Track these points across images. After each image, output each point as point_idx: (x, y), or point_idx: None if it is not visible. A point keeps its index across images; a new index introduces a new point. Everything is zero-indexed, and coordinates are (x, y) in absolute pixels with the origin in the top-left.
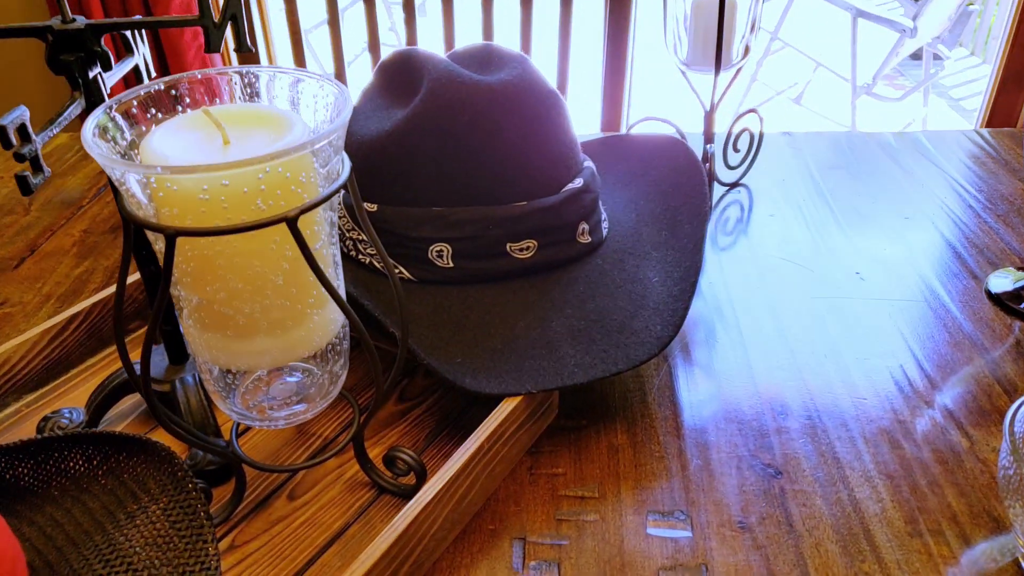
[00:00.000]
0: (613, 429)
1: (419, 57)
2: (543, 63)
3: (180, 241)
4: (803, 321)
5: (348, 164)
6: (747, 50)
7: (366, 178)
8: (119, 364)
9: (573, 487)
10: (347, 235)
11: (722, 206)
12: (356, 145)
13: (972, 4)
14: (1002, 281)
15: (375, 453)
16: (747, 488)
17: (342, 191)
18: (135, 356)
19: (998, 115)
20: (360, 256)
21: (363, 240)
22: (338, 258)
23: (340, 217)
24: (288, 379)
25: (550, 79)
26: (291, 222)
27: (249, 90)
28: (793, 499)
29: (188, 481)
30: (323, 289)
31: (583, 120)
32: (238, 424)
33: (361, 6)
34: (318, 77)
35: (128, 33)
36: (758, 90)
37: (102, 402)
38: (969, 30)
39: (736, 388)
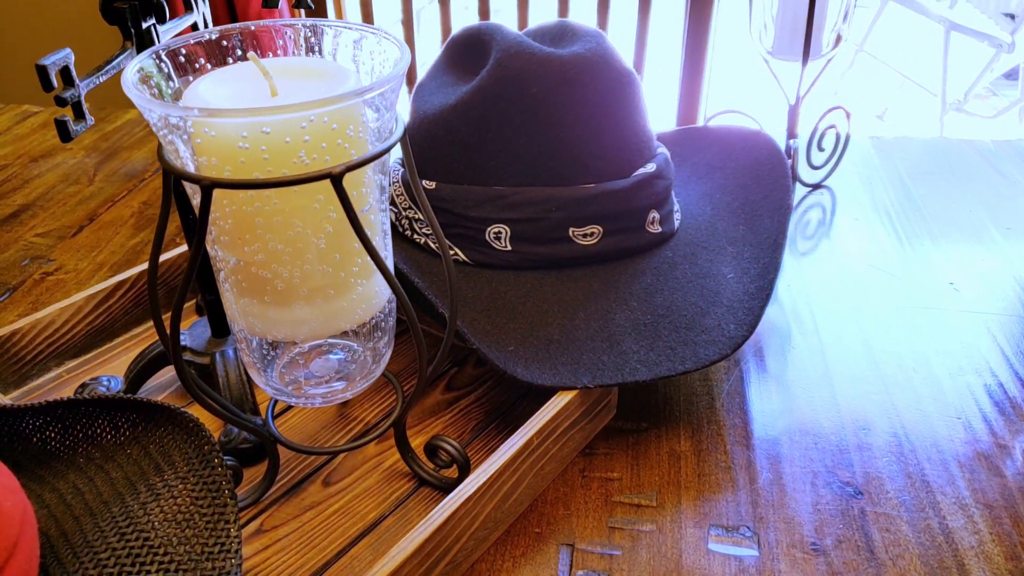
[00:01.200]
0: (676, 434)
1: (489, 30)
2: (621, 46)
3: (217, 195)
4: (890, 332)
5: (403, 124)
6: (838, 39)
7: (427, 154)
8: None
9: (629, 493)
10: (403, 213)
11: (804, 207)
12: (418, 121)
13: None
14: None
15: (417, 443)
16: (822, 507)
17: (390, 154)
18: (184, 326)
19: None
20: (416, 236)
21: (419, 219)
22: (387, 227)
23: (398, 195)
24: (331, 357)
25: (627, 60)
26: (336, 179)
27: (306, 45)
28: (875, 522)
29: (215, 456)
30: (368, 258)
31: (658, 112)
32: (275, 402)
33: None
34: (378, 33)
35: None
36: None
37: (141, 371)
38: None
39: (813, 399)
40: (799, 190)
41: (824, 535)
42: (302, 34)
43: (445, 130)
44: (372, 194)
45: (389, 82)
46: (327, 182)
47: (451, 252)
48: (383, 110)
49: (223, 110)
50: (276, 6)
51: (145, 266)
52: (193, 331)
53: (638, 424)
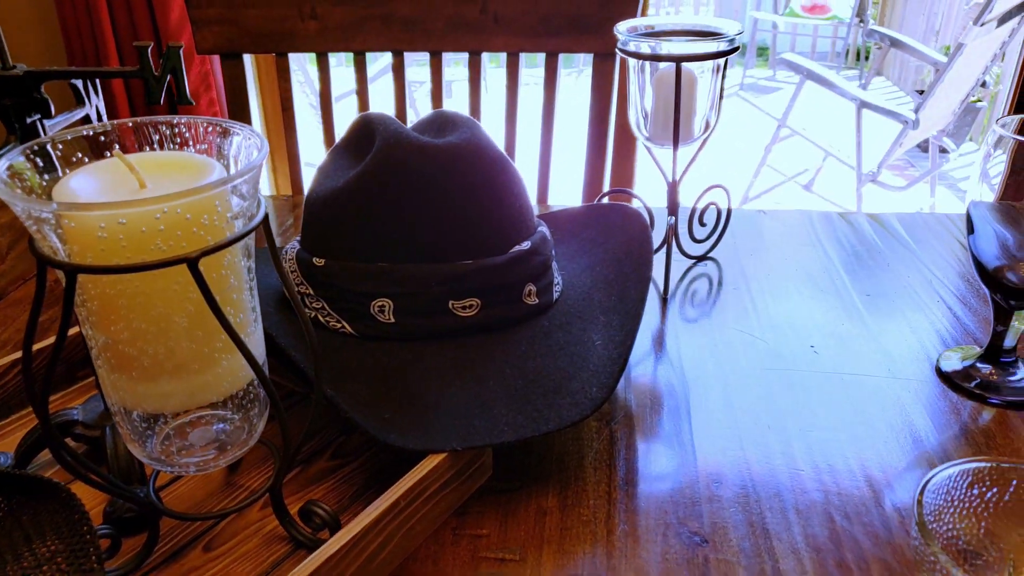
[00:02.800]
0: (545, 492)
1: (376, 120)
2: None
3: (83, 280)
4: (751, 392)
5: (264, 210)
6: (707, 126)
7: (318, 233)
8: (58, 409)
9: (495, 549)
10: (296, 289)
11: (689, 278)
12: (312, 201)
13: (979, 100)
14: (951, 360)
15: (296, 509)
16: (670, 555)
17: (249, 236)
18: (80, 402)
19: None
20: (307, 311)
21: (310, 295)
22: (255, 304)
23: (292, 272)
24: (218, 426)
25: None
26: (192, 263)
27: (178, 139)
28: (716, 568)
29: (84, 525)
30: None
31: (568, 191)
32: (157, 473)
33: (388, 79)
34: (242, 129)
35: (79, 83)
36: (768, 175)
37: (30, 447)
38: (978, 124)
39: (674, 456)
40: (685, 261)
41: None
42: (175, 128)
43: (334, 211)
44: (234, 275)
45: (239, 176)
46: (185, 266)
47: (339, 325)
48: (247, 198)
49: (80, 204)
50: (159, 102)
51: (42, 344)
52: (87, 406)
53: (511, 484)
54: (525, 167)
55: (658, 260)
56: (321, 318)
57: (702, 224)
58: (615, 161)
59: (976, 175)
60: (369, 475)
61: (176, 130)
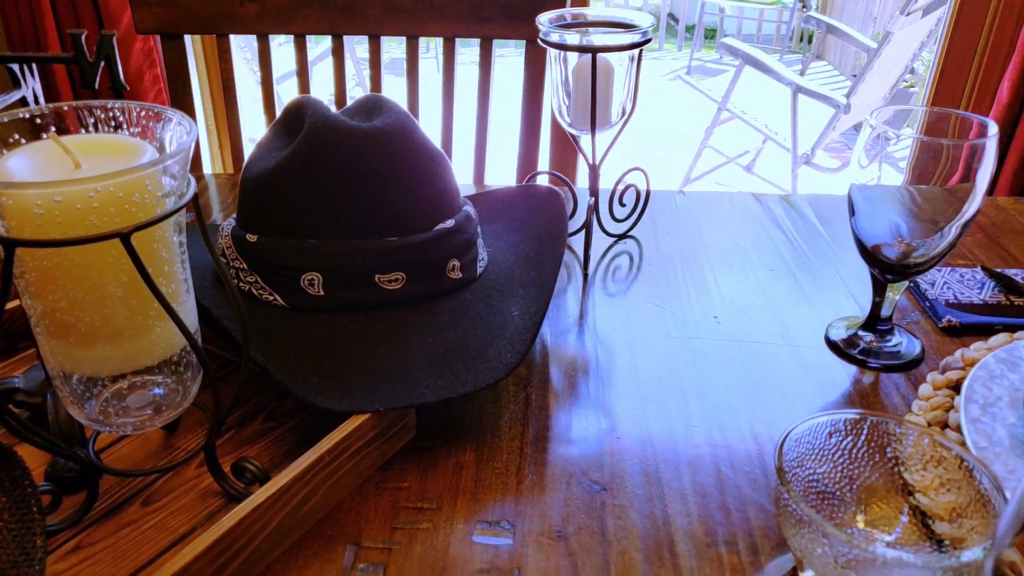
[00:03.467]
0: (463, 449)
1: (306, 104)
2: (501, 121)
3: (22, 253)
4: (657, 358)
5: (193, 189)
6: (624, 112)
7: (251, 211)
8: (0, 378)
9: (415, 500)
10: (231, 264)
11: (611, 255)
12: (246, 180)
13: (911, 86)
14: (838, 329)
15: (231, 464)
16: (572, 501)
17: (184, 211)
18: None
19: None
20: (241, 284)
21: (244, 269)
22: (187, 275)
23: (227, 248)
24: (156, 391)
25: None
26: (124, 238)
27: (112, 123)
28: (611, 511)
29: (24, 479)
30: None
31: (502, 172)
32: (97, 434)
33: (331, 60)
34: (173, 114)
35: (16, 67)
36: (712, 157)
37: None
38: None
39: (582, 415)
40: (607, 239)
41: (568, 524)
42: (109, 112)
43: (265, 190)
44: (169, 249)
45: (167, 158)
46: (118, 240)
47: (271, 298)
48: (177, 178)
49: (17, 183)
50: (94, 87)
51: None
52: (28, 375)
53: (433, 442)
54: (464, 149)
55: (582, 238)
56: (255, 291)
57: (622, 204)
58: (553, 143)
59: (855, 160)
60: (300, 437)
61: (111, 114)
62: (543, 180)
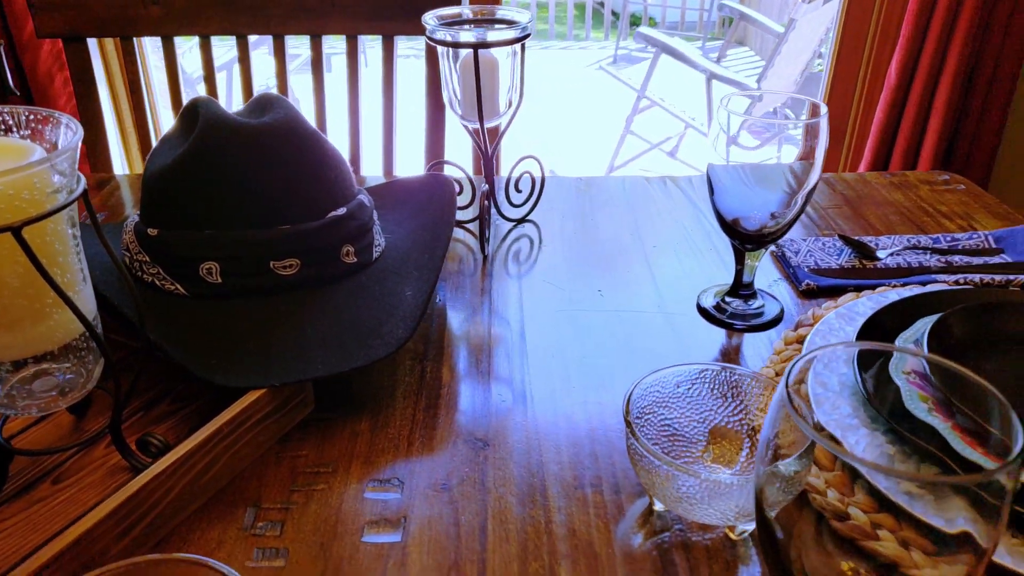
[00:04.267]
0: (360, 419)
1: (200, 104)
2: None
3: None
4: (544, 330)
5: (82, 186)
6: (511, 104)
7: (152, 206)
8: None
9: (312, 466)
10: (135, 257)
11: (512, 237)
12: (146, 178)
13: (821, 68)
14: (708, 297)
15: (136, 440)
16: (456, 456)
17: (70, 206)
18: None
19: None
20: (144, 275)
21: (147, 261)
22: (82, 265)
23: (130, 242)
24: (59, 376)
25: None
26: (16, 231)
27: (3, 126)
28: (492, 462)
29: None
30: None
31: (413, 164)
32: (6, 419)
33: (265, 55)
34: (61, 116)
35: None
36: (635, 144)
37: None
38: (823, 92)
39: (472, 383)
40: (505, 224)
41: (452, 477)
42: (1, 117)
43: (163, 186)
44: (59, 241)
45: (53, 158)
46: (10, 234)
47: (173, 287)
48: (66, 175)
49: None
50: (14, 94)
51: None
52: None
53: (331, 414)
54: (373, 143)
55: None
56: (157, 282)
57: (518, 191)
58: (458, 134)
59: (711, 144)
60: (204, 416)
61: (1, 119)
62: (451, 170)
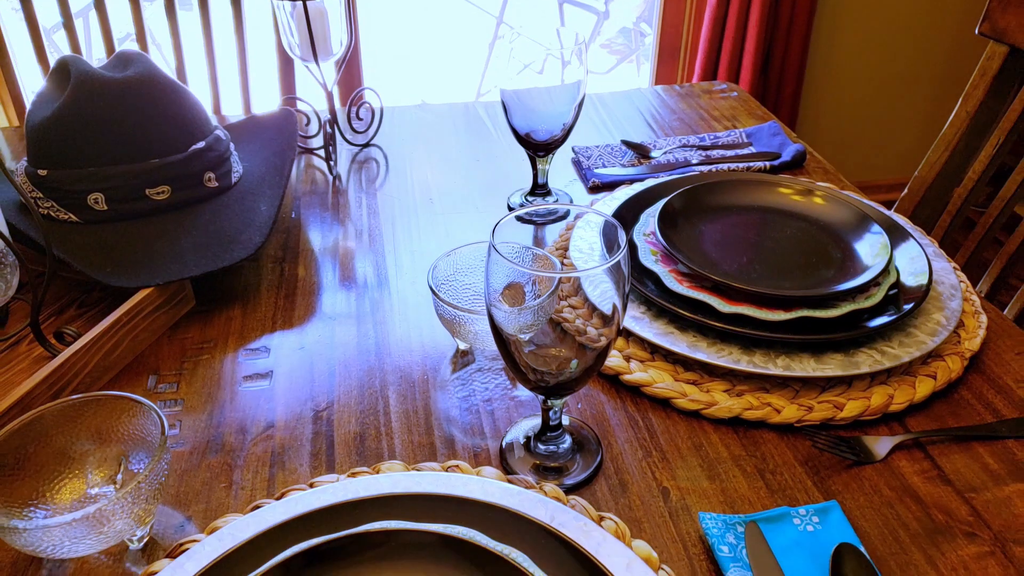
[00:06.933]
0: (233, 308)
1: (70, 61)
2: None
3: None
4: (383, 231)
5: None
6: (342, 44)
7: (39, 152)
8: None
9: (197, 343)
10: (29, 196)
11: (359, 160)
12: (31, 129)
13: None
14: (515, 197)
15: (53, 332)
16: (312, 325)
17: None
18: None
19: (661, 77)
20: (41, 209)
21: (41, 197)
22: None
23: (23, 184)
24: None
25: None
26: None
27: None
28: (339, 331)
29: None
30: None
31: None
32: None
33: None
34: None
35: None
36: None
37: None
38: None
39: (324, 273)
40: (351, 148)
41: (308, 338)
42: None
43: (47, 134)
44: None
45: None
46: None
47: (67, 216)
48: None
49: None
50: None
51: None
52: None
53: (211, 307)
54: (231, 82)
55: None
56: (52, 213)
57: (359, 119)
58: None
59: (501, 69)
60: (107, 314)
61: None
62: (302, 105)
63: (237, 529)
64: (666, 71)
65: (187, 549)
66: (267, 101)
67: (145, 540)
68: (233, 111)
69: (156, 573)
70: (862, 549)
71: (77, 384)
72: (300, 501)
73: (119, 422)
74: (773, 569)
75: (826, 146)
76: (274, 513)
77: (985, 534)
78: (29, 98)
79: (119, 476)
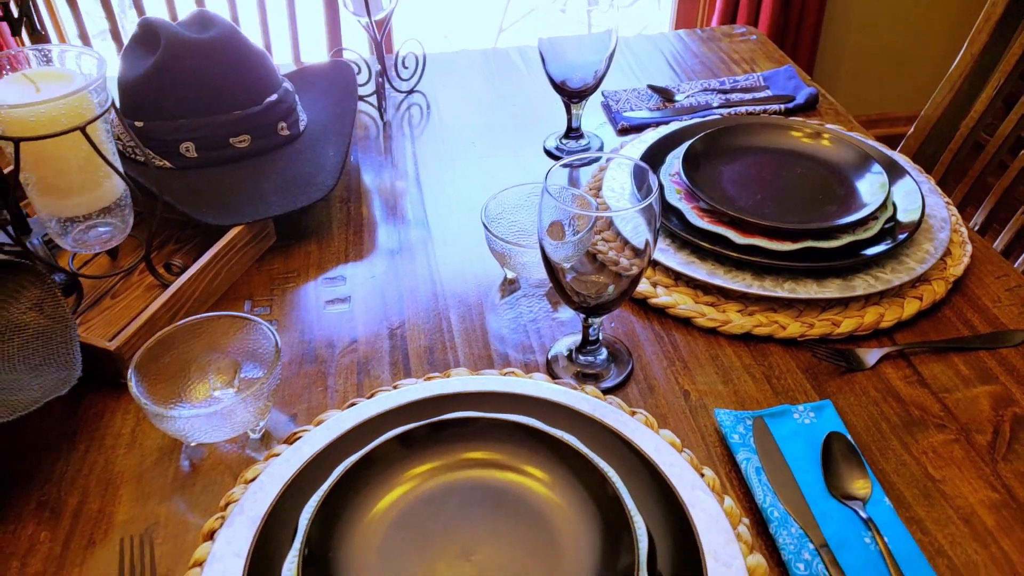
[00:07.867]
0: (309, 243)
1: (156, 24)
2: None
3: (24, 144)
4: (432, 175)
5: (111, 99)
6: (392, 1)
7: (134, 106)
8: None
9: (282, 273)
10: (126, 144)
11: (404, 106)
12: (124, 84)
13: None
14: (551, 140)
15: (163, 264)
16: (379, 258)
17: (112, 112)
18: None
19: (683, 18)
20: (137, 157)
21: (139, 147)
22: (115, 148)
23: (122, 135)
24: (104, 230)
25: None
26: (83, 129)
27: (45, 60)
28: (403, 263)
29: (48, 279)
30: (106, 167)
31: (317, 51)
32: (74, 256)
33: None
34: (86, 51)
35: None
36: (524, 5)
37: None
38: None
39: (385, 213)
40: (399, 96)
41: (378, 268)
42: (42, 53)
43: (141, 91)
44: (103, 133)
45: (96, 81)
46: (78, 132)
47: (163, 163)
48: (102, 92)
49: (20, 104)
50: (19, 34)
51: None
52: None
53: (289, 242)
54: (282, 35)
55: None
56: (148, 160)
57: (405, 67)
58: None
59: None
60: (202, 248)
61: (43, 54)
62: (349, 55)
63: (340, 421)
64: (687, 6)
65: (300, 437)
66: (315, 52)
67: (262, 431)
68: (282, 60)
69: (279, 455)
70: (849, 437)
71: (188, 307)
72: (389, 398)
73: (234, 338)
74: (775, 453)
75: (844, 80)
76: (368, 408)
77: (953, 426)
78: None
79: (235, 381)
